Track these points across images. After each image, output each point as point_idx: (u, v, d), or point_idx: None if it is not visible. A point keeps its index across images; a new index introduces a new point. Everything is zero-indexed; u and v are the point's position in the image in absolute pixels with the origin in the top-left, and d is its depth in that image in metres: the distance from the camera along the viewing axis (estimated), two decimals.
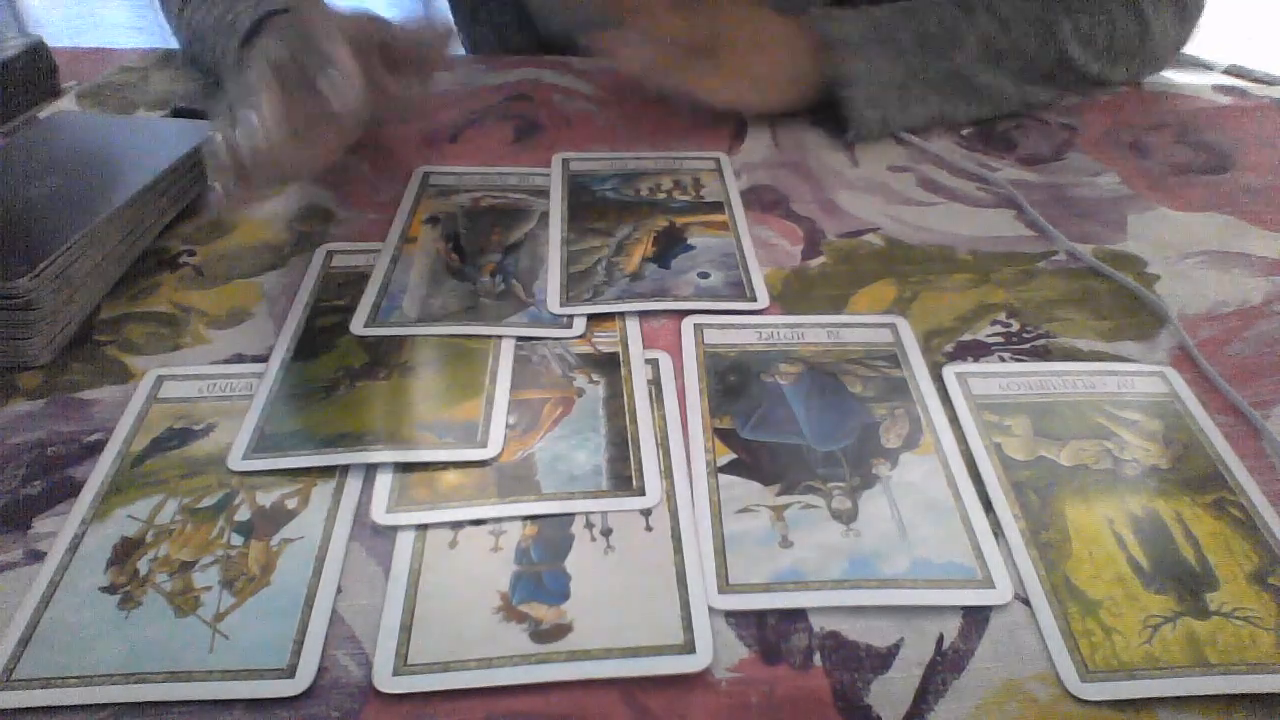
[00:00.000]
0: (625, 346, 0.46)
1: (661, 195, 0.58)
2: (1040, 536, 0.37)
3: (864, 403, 0.43)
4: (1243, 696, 0.32)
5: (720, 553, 0.36)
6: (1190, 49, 0.73)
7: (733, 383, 0.44)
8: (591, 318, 0.48)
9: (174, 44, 0.74)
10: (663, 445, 0.41)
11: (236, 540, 0.36)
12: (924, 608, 0.34)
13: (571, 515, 0.38)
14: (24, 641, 0.33)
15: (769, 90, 0.65)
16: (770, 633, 0.34)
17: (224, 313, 0.48)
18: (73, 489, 0.39)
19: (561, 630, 0.33)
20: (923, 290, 0.50)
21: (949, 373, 0.45)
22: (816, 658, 0.33)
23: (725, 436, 0.41)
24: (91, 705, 0.31)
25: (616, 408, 0.42)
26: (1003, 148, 0.64)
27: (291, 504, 0.38)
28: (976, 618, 0.34)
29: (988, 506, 0.38)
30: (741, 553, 0.36)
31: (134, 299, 0.49)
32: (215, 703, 0.31)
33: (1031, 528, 0.37)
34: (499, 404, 0.42)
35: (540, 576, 0.35)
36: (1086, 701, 0.32)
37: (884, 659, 0.33)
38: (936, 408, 0.43)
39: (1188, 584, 0.35)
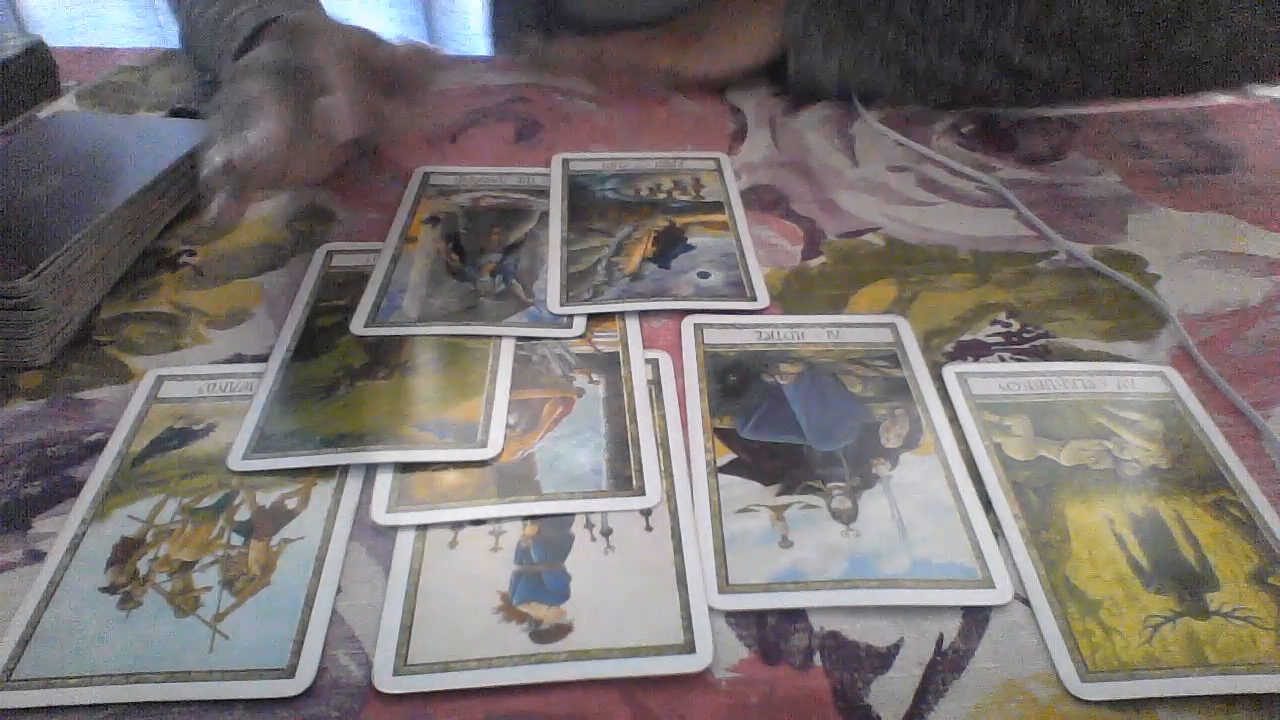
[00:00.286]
0: (625, 346, 0.46)
1: (661, 195, 0.58)
2: (1040, 536, 0.37)
3: (864, 403, 0.43)
4: (1243, 696, 0.32)
5: (720, 553, 0.36)
6: None
7: (733, 383, 0.44)
8: (591, 318, 0.48)
9: (174, 44, 0.74)
10: (663, 445, 0.41)
11: (236, 540, 0.36)
12: (924, 608, 0.34)
13: (571, 515, 0.38)
14: (24, 641, 0.33)
15: (733, 49, 0.68)
16: (770, 633, 0.34)
17: (224, 313, 0.48)
18: (73, 489, 0.39)
19: (561, 630, 0.33)
20: (923, 290, 0.50)
21: (949, 373, 0.45)
22: (816, 658, 0.33)
23: (725, 436, 0.41)
24: (91, 705, 0.31)
25: (616, 408, 0.42)
26: (1003, 147, 0.64)
27: (291, 504, 0.38)
28: (976, 618, 0.34)
29: (988, 506, 0.38)
30: (741, 553, 0.36)
31: (134, 299, 0.49)
32: (215, 703, 0.31)
33: (1031, 528, 0.37)
34: (499, 404, 0.42)
35: (540, 576, 0.35)
36: (1086, 701, 0.32)
37: (884, 659, 0.33)
38: (936, 408, 0.43)
39: (1188, 584, 0.35)
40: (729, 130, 0.66)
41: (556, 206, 0.56)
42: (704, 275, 0.51)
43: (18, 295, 0.42)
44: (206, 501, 0.38)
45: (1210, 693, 0.32)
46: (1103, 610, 0.34)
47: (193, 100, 0.64)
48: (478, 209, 0.56)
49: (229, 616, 0.34)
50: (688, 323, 0.47)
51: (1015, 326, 0.48)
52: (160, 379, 0.44)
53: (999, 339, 0.47)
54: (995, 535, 0.37)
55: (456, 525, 0.37)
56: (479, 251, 0.52)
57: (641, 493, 0.38)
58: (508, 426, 0.41)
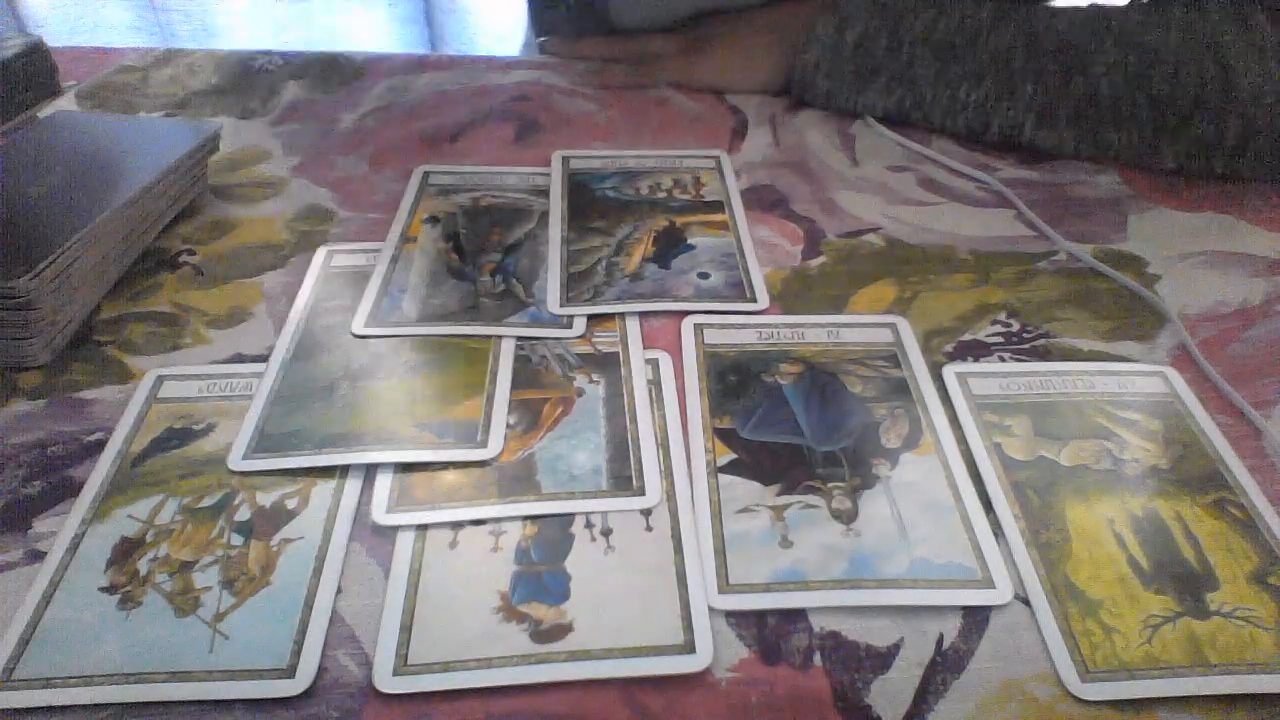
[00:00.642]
0: (625, 346, 0.46)
1: (662, 194, 0.58)
2: (1040, 536, 0.37)
3: (864, 403, 0.43)
4: (1243, 696, 0.32)
5: (720, 553, 0.36)
6: None
7: (733, 383, 0.44)
8: (591, 317, 0.48)
9: (174, 44, 0.74)
10: (663, 445, 0.41)
11: (236, 540, 0.36)
12: (924, 608, 0.34)
13: (571, 515, 0.38)
14: (24, 641, 0.33)
15: (742, 74, 0.69)
16: (770, 633, 0.34)
17: (224, 313, 0.48)
18: (73, 489, 0.39)
19: (561, 630, 0.33)
20: (923, 290, 0.50)
21: (949, 373, 0.45)
22: (816, 658, 0.33)
23: (725, 436, 0.41)
24: (91, 705, 0.31)
25: (616, 408, 0.42)
26: (1003, 147, 0.64)
27: (291, 504, 0.38)
28: (976, 618, 0.34)
29: (988, 506, 0.38)
30: (741, 553, 0.36)
31: (134, 299, 0.49)
32: (215, 703, 0.31)
33: (1031, 528, 0.37)
34: (499, 404, 0.42)
35: (540, 576, 0.35)
36: (1086, 701, 0.32)
37: (884, 659, 0.33)
38: (936, 408, 0.43)
39: (1188, 584, 0.35)
40: (729, 127, 0.66)
41: (556, 204, 0.56)
42: (704, 276, 0.51)
43: (18, 295, 0.42)
44: (206, 501, 0.38)
45: (1210, 693, 0.32)
46: (1103, 610, 0.34)
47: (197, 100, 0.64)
48: (478, 209, 0.56)
49: (229, 616, 0.34)
50: (688, 323, 0.47)
51: (1015, 326, 0.48)
52: (160, 379, 0.44)
53: (999, 339, 0.47)
54: (995, 535, 0.37)
55: (456, 525, 0.37)
56: (479, 251, 0.52)
57: (641, 493, 0.38)
58: (508, 426, 0.41)
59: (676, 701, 0.32)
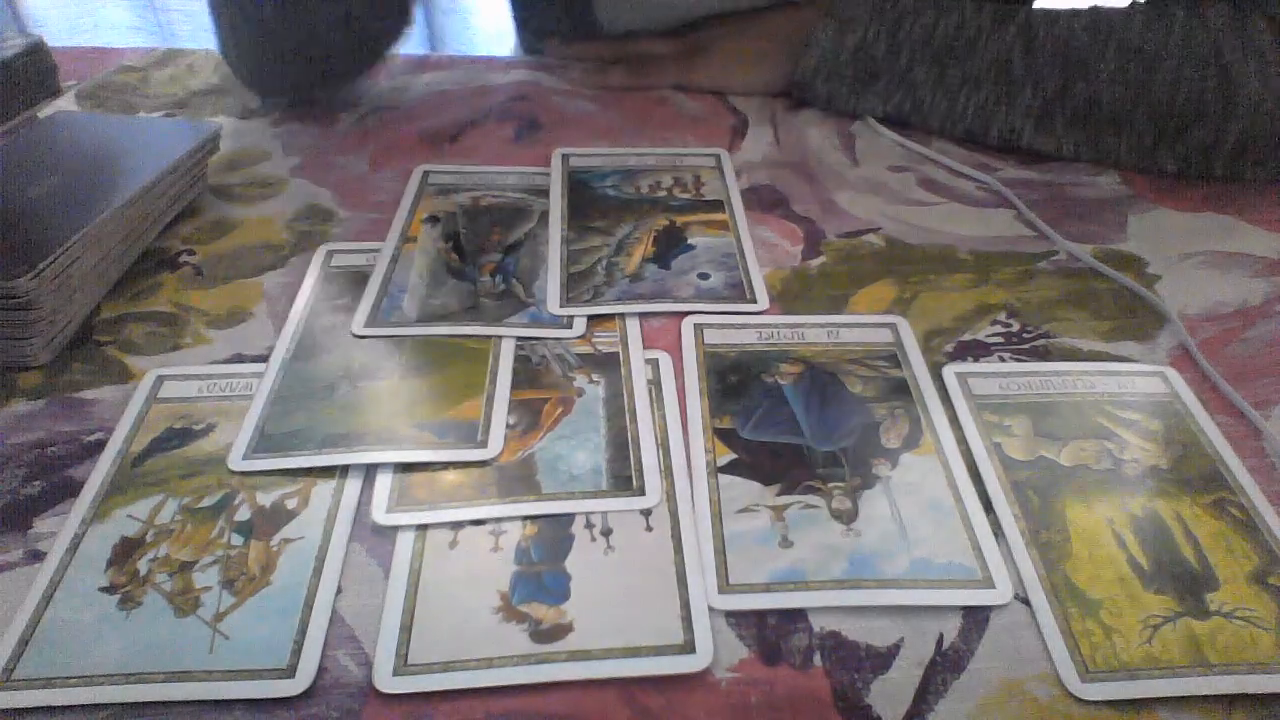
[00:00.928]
0: (625, 346, 0.46)
1: (662, 193, 0.58)
2: (1040, 536, 0.37)
3: (864, 403, 0.43)
4: (1243, 696, 0.32)
5: (720, 553, 0.36)
6: None
7: (733, 383, 0.44)
8: (592, 317, 0.48)
9: (174, 44, 0.74)
10: (663, 445, 0.41)
11: (236, 540, 0.36)
12: (924, 608, 0.34)
13: (571, 515, 0.38)
14: (24, 641, 0.33)
15: (742, 76, 0.69)
16: (770, 633, 0.34)
17: (224, 313, 0.48)
18: (73, 489, 0.39)
19: (561, 630, 0.33)
20: (923, 290, 0.50)
21: (949, 373, 0.45)
22: (816, 658, 0.33)
23: (725, 436, 0.41)
24: (91, 705, 0.31)
25: (616, 408, 0.42)
26: (1003, 147, 0.64)
27: (291, 504, 0.38)
28: (976, 618, 0.34)
29: (988, 506, 0.38)
30: (741, 553, 0.36)
31: (134, 299, 0.49)
32: (215, 703, 0.31)
33: (1031, 528, 0.37)
34: (499, 404, 0.42)
35: (540, 576, 0.35)
36: (1086, 701, 0.32)
37: (884, 659, 0.33)
38: (936, 408, 0.43)
39: (1188, 584, 0.35)
40: (729, 126, 0.66)
41: (556, 203, 0.56)
42: (704, 276, 0.51)
43: (18, 295, 0.42)
44: (206, 501, 0.38)
45: (1210, 693, 0.32)
46: (1103, 610, 0.34)
47: (196, 100, 0.64)
48: (478, 208, 0.56)
49: (229, 616, 0.34)
50: (688, 323, 0.47)
51: (1015, 326, 0.48)
52: (160, 379, 0.44)
53: (999, 339, 0.47)
54: (995, 535, 0.37)
55: (456, 525, 0.37)
56: (479, 251, 0.52)
57: (641, 493, 0.38)
58: (508, 426, 0.41)
59: (676, 701, 0.32)
